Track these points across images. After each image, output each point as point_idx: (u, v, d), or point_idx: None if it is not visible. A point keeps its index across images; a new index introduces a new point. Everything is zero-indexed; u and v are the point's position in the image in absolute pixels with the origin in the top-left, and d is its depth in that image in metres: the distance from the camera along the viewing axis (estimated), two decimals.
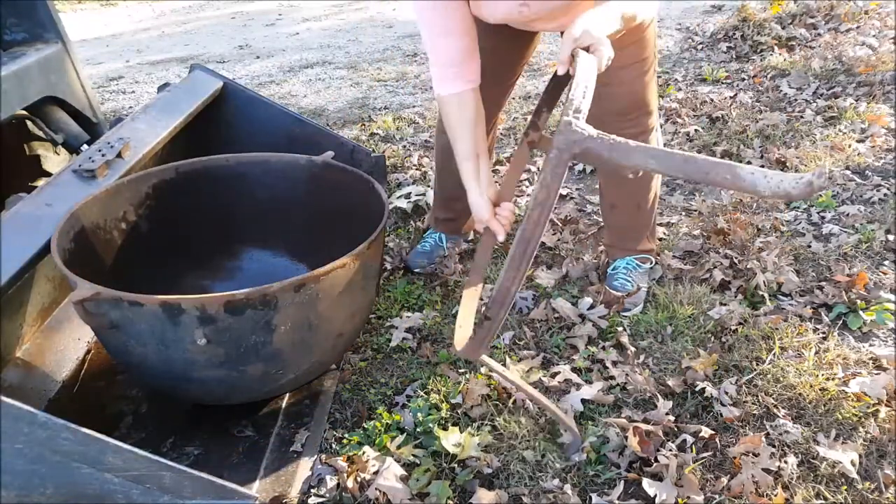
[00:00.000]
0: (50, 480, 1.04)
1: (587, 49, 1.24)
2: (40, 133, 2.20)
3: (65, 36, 2.20)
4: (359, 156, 2.14)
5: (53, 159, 2.31)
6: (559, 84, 1.45)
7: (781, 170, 2.74)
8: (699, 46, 4.60)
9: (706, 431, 1.53)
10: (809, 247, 2.22)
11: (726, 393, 1.64)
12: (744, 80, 3.82)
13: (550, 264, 2.24)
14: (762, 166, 2.79)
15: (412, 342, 1.90)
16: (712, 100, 3.49)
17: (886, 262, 2.11)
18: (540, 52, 4.65)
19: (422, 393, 1.70)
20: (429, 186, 2.74)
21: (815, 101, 3.37)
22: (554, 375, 1.73)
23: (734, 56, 4.29)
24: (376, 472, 1.45)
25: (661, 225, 2.39)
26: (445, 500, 1.40)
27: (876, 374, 1.67)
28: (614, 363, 1.77)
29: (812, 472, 1.44)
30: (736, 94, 3.54)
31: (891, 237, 2.22)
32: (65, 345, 1.75)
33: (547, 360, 1.82)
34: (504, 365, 1.77)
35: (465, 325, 1.35)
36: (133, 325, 1.32)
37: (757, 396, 1.64)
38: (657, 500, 1.37)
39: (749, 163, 2.82)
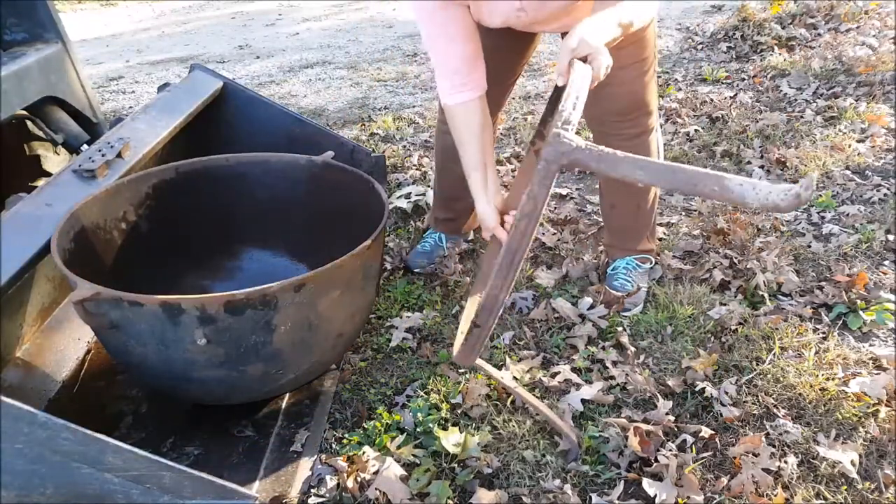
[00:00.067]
0: (50, 480, 1.04)
1: (585, 59, 1.25)
2: (40, 133, 2.20)
3: (65, 36, 2.20)
4: (359, 156, 2.14)
5: (53, 159, 2.31)
6: (561, 95, 1.46)
7: (781, 169, 2.75)
8: (699, 46, 4.60)
9: (706, 431, 1.53)
10: (809, 247, 2.22)
11: (726, 393, 1.64)
12: (744, 80, 3.82)
13: (550, 264, 2.24)
14: (762, 166, 2.79)
15: (412, 342, 1.90)
16: (712, 100, 3.49)
17: (886, 262, 2.11)
18: (540, 52, 4.65)
19: (422, 393, 1.71)
20: (429, 186, 2.74)
21: (815, 101, 3.37)
22: (554, 375, 1.73)
23: (734, 56, 4.29)
24: (376, 472, 1.45)
25: (661, 225, 2.39)
26: (445, 500, 1.40)
27: (876, 374, 1.67)
28: (614, 363, 1.77)
29: (812, 472, 1.44)
30: (736, 94, 3.54)
31: (891, 237, 2.22)
32: (65, 345, 1.75)
33: (547, 360, 1.82)
34: (504, 365, 1.78)
35: (466, 332, 1.37)
36: (133, 325, 1.32)
37: (757, 396, 1.64)
38: (657, 500, 1.37)
39: (749, 163, 2.82)
